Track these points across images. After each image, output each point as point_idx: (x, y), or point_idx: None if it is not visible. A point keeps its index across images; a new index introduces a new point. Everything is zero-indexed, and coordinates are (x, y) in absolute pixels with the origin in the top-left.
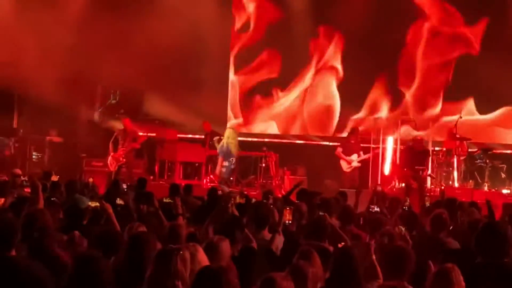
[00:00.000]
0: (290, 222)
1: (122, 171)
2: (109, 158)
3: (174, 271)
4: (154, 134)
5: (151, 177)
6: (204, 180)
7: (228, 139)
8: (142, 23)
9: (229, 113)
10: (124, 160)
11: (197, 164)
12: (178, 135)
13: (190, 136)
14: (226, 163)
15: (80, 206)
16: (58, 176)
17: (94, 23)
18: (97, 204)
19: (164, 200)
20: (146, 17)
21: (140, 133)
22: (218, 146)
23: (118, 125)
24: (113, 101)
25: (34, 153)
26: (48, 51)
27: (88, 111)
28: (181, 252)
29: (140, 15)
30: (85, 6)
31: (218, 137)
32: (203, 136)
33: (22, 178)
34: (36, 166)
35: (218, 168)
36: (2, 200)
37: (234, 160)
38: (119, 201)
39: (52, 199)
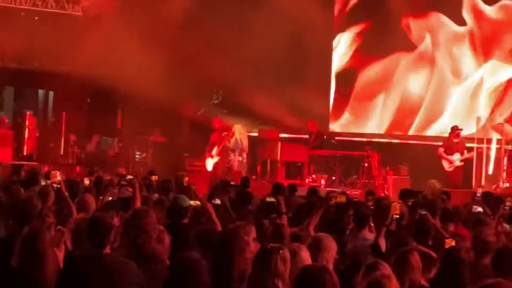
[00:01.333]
0: (397, 216)
1: (220, 170)
2: (206, 158)
3: (274, 270)
4: (256, 134)
5: (253, 177)
6: (306, 180)
7: (240, 134)
8: (244, 22)
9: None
10: (219, 158)
11: (299, 164)
12: (280, 135)
13: (292, 135)
14: (240, 158)
15: (181, 205)
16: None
17: (198, 24)
18: (198, 203)
19: (267, 199)
20: (249, 16)
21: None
22: (232, 142)
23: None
24: (216, 101)
25: (137, 153)
26: (152, 51)
27: (191, 111)
28: (281, 251)
29: (243, 14)
30: (189, 6)
31: (226, 133)
32: (305, 136)
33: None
34: (139, 166)
35: (230, 162)
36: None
37: (245, 155)
38: (216, 201)
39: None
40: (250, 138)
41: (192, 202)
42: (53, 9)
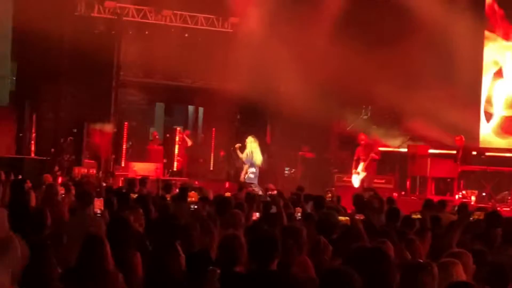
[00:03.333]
0: None
1: (363, 186)
2: (352, 175)
3: (422, 286)
4: (405, 149)
5: (402, 193)
6: (456, 196)
7: (252, 148)
8: (394, 37)
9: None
10: (366, 174)
11: (449, 180)
12: (430, 150)
13: (441, 151)
14: (253, 169)
15: (330, 220)
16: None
17: (346, 38)
18: (347, 218)
19: (413, 216)
20: (398, 30)
21: (380, 148)
22: (244, 155)
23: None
24: (365, 117)
25: (286, 169)
26: (301, 66)
27: (340, 126)
28: (429, 267)
29: (393, 29)
30: (337, 21)
31: (239, 145)
32: (454, 152)
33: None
34: (288, 181)
35: (243, 174)
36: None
37: (257, 167)
38: (357, 216)
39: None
40: (400, 154)
41: (341, 218)
42: (203, 26)
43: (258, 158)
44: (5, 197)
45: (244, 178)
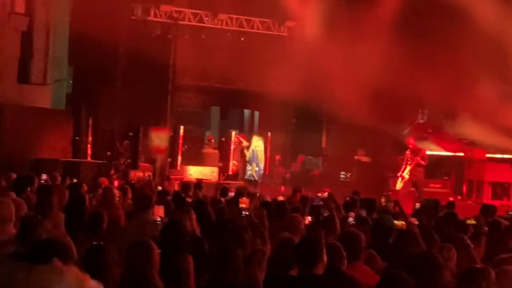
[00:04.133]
0: None
1: (411, 190)
2: (396, 178)
3: None
4: (462, 154)
5: (459, 197)
6: None
7: (256, 146)
8: (449, 38)
9: None
10: (408, 178)
11: (506, 184)
12: (487, 155)
13: (499, 156)
14: (257, 168)
15: (386, 224)
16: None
17: (402, 41)
18: (403, 223)
19: (467, 222)
20: (452, 35)
21: (428, 152)
22: (248, 153)
23: (425, 144)
24: (421, 120)
25: (342, 173)
26: (356, 70)
27: (396, 130)
28: (486, 273)
29: (449, 30)
30: (392, 24)
31: (248, 144)
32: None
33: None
34: (343, 186)
35: (246, 172)
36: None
37: (262, 166)
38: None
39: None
40: (456, 158)
41: (397, 223)
42: (259, 30)
43: (262, 156)
44: (62, 201)
45: (247, 176)
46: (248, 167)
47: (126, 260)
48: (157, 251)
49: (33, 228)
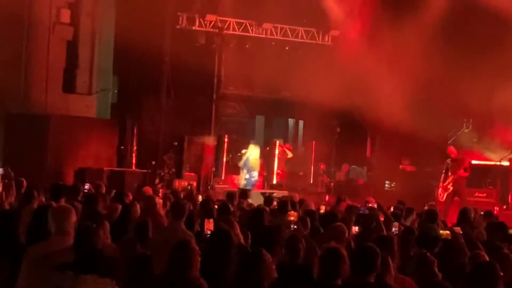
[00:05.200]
0: None
1: (455, 200)
2: (439, 188)
3: None
4: (507, 163)
5: (504, 207)
6: None
7: (251, 154)
8: (492, 48)
9: None
10: (452, 188)
11: None
12: None
13: None
14: (247, 176)
15: (431, 234)
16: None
17: (446, 48)
18: (448, 233)
19: (510, 231)
20: (497, 42)
21: (473, 161)
22: (241, 162)
23: (470, 155)
24: (466, 130)
25: (386, 182)
26: (401, 79)
27: (441, 139)
28: None
29: (491, 39)
30: (434, 32)
31: (245, 151)
32: None
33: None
34: (388, 195)
35: (239, 180)
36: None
37: (256, 174)
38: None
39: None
40: (502, 168)
41: (442, 232)
42: (303, 39)
43: (255, 164)
44: (106, 210)
45: (238, 182)
46: (242, 175)
47: (168, 261)
48: (198, 252)
49: (89, 237)
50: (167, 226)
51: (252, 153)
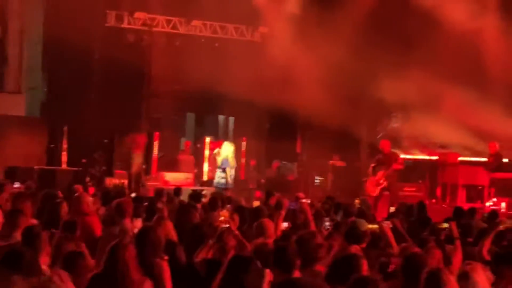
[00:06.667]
0: None
1: (385, 194)
2: (369, 182)
3: None
4: (436, 157)
5: (433, 201)
6: (487, 203)
7: (228, 153)
8: (420, 45)
9: None
10: (385, 183)
11: (480, 187)
12: (460, 158)
13: (472, 159)
14: (223, 174)
15: (359, 228)
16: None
17: (374, 45)
18: (377, 226)
19: (442, 226)
20: (425, 38)
21: (402, 155)
22: (220, 159)
23: (400, 150)
24: (395, 125)
25: (316, 178)
26: (329, 75)
27: (370, 135)
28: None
29: (417, 36)
30: (363, 29)
31: (218, 150)
32: (485, 159)
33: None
34: (318, 190)
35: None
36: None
37: (233, 171)
38: (387, 224)
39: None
40: (430, 162)
41: (370, 226)
42: (232, 36)
43: (233, 162)
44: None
45: (215, 183)
46: (219, 174)
47: (105, 260)
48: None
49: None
50: (114, 225)
51: (229, 151)
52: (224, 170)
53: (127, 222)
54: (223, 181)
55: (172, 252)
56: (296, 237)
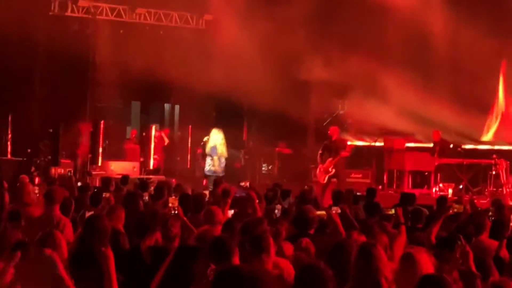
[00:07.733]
0: None
1: (332, 181)
2: (318, 170)
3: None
4: (382, 144)
5: (380, 187)
6: (434, 189)
7: (216, 140)
8: (367, 31)
9: None
10: (333, 170)
11: (426, 173)
12: (406, 144)
13: (418, 145)
14: (218, 162)
15: (308, 215)
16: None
17: (321, 32)
18: (324, 213)
19: (388, 212)
20: (371, 25)
21: (348, 142)
22: (209, 147)
23: (346, 136)
24: (341, 111)
25: (263, 165)
26: (276, 62)
27: (317, 121)
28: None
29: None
30: (310, 12)
31: (208, 137)
32: (431, 145)
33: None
34: (265, 178)
35: (205, 166)
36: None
37: (223, 160)
38: (337, 210)
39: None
40: (376, 148)
41: (318, 213)
42: (177, 24)
43: (223, 150)
44: None
45: (206, 170)
46: (208, 162)
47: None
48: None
49: None
50: (42, 213)
51: (218, 139)
52: (212, 158)
53: (55, 208)
54: (213, 168)
55: (116, 240)
56: (241, 224)
